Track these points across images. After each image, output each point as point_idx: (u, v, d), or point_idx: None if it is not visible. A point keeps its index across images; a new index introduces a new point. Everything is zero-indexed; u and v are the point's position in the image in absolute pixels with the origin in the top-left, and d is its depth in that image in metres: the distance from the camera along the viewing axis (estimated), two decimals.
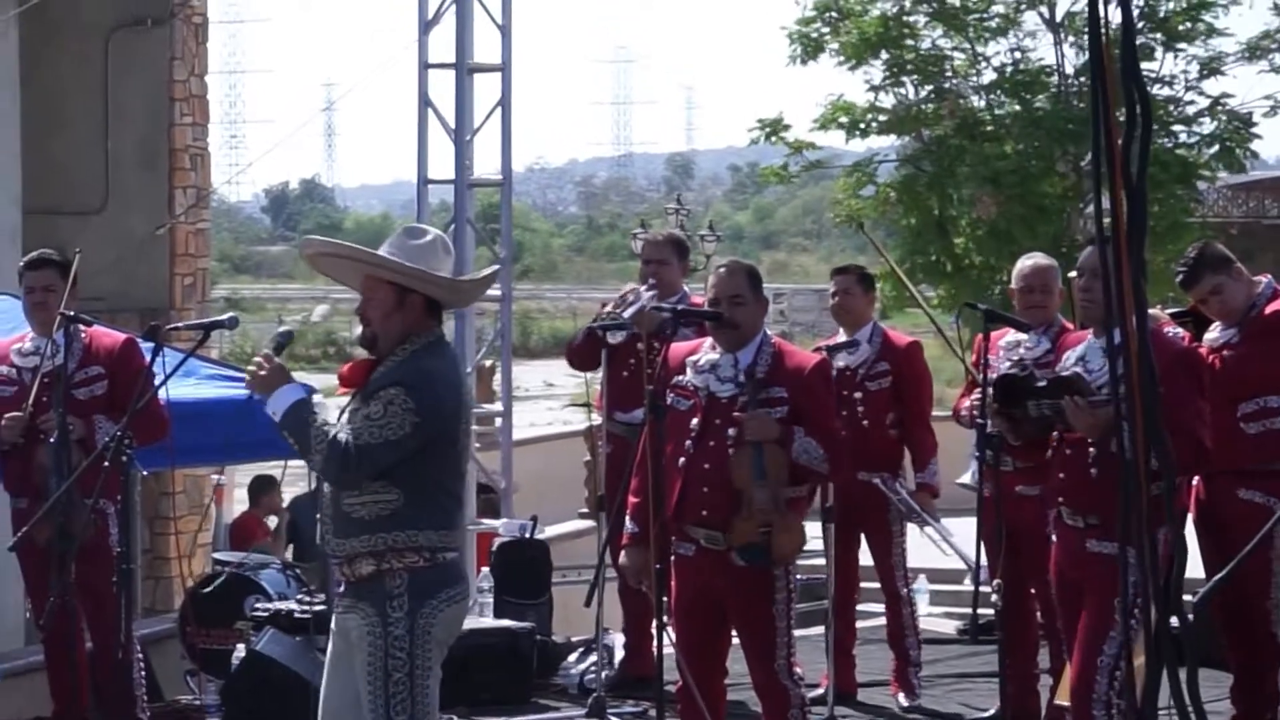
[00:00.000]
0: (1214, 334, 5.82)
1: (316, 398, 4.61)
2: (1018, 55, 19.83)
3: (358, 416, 4.42)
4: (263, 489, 11.63)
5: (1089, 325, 5.26)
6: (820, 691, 6.64)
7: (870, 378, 6.85)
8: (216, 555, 9.68)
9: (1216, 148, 19.29)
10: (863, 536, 6.96)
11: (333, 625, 4.68)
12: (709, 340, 5.35)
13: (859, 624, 7.31)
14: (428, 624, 4.43)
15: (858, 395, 6.81)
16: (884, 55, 19.54)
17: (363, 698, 4.46)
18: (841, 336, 7.00)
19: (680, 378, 5.28)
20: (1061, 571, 5.16)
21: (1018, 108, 19.48)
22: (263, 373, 4.50)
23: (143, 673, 6.31)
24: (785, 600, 5.20)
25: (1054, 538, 5.21)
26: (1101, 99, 2.45)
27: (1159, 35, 19.09)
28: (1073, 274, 5.69)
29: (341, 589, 4.65)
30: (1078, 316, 5.59)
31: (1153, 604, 2.81)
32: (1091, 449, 5.01)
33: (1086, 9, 2.50)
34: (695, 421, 5.20)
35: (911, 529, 6.93)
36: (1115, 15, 2.54)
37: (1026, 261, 6.34)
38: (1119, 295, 2.41)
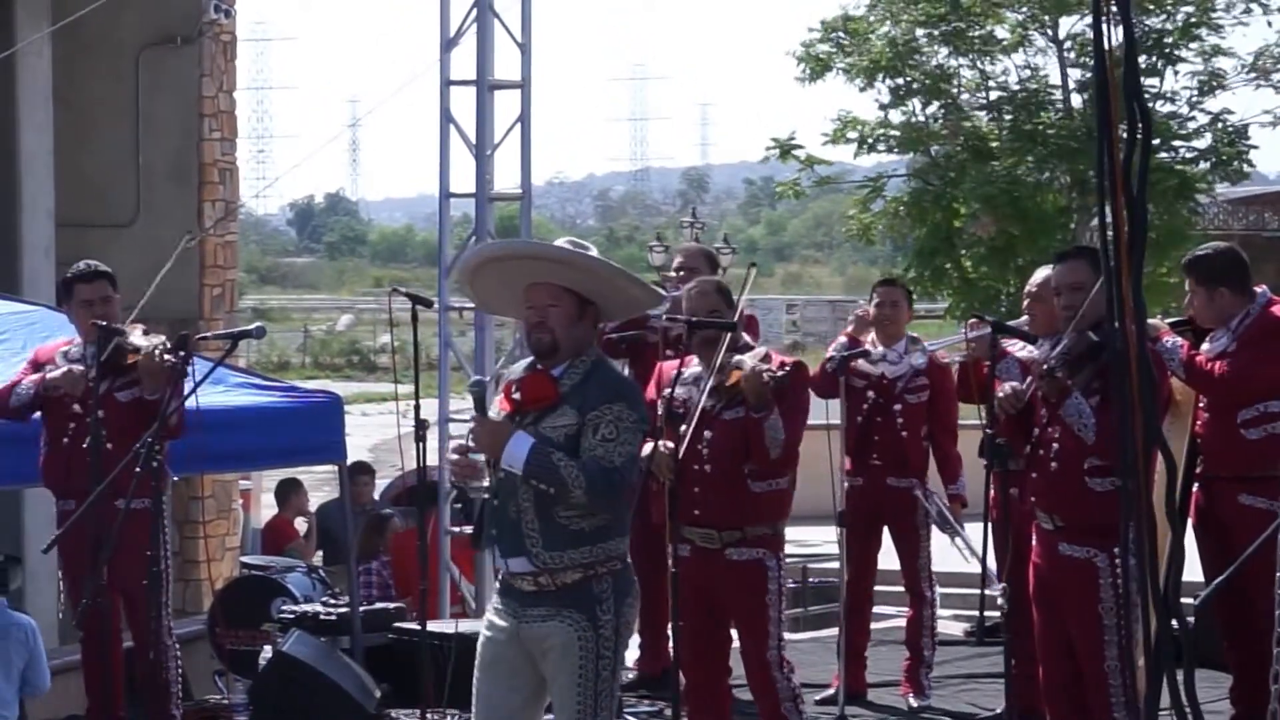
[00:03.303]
0: (1210, 344, 5.92)
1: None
2: (1027, 74, 19.90)
3: (593, 440, 4.32)
4: (289, 491, 11.79)
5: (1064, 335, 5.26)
6: (831, 692, 6.79)
7: (910, 390, 7.01)
8: (244, 559, 9.87)
9: (1213, 159, 19.35)
10: (885, 540, 7.13)
11: (499, 634, 4.48)
12: (694, 356, 5.66)
13: (871, 625, 7.43)
14: (627, 621, 4.51)
15: (897, 407, 6.98)
16: (892, 76, 19.65)
17: (566, 701, 4.40)
18: (867, 346, 7.01)
19: (667, 391, 5.62)
20: (1039, 572, 5.23)
21: (1010, 119, 19.55)
22: (484, 432, 4.40)
23: (179, 671, 6.38)
24: (777, 593, 5.47)
25: (1034, 540, 5.31)
26: (1105, 115, 2.58)
27: (1157, 52, 19.11)
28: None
29: (522, 597, 4.43)
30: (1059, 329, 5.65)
31: (1150, 607, 2.85)
32: (1055, 444, 5.10)
33: (1090, 29, 2.61)
34: (684, 429, 5.50)
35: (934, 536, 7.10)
36: (1118, 34, 2.61)
37: (1039, 273, 6.47)
38: (1119, 302, 2.53)
